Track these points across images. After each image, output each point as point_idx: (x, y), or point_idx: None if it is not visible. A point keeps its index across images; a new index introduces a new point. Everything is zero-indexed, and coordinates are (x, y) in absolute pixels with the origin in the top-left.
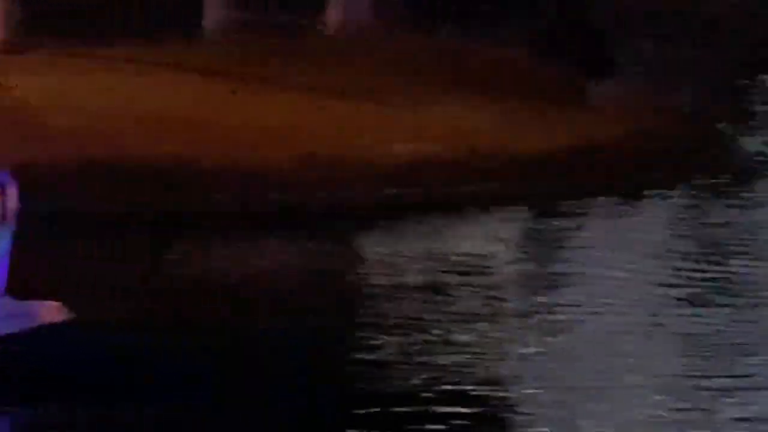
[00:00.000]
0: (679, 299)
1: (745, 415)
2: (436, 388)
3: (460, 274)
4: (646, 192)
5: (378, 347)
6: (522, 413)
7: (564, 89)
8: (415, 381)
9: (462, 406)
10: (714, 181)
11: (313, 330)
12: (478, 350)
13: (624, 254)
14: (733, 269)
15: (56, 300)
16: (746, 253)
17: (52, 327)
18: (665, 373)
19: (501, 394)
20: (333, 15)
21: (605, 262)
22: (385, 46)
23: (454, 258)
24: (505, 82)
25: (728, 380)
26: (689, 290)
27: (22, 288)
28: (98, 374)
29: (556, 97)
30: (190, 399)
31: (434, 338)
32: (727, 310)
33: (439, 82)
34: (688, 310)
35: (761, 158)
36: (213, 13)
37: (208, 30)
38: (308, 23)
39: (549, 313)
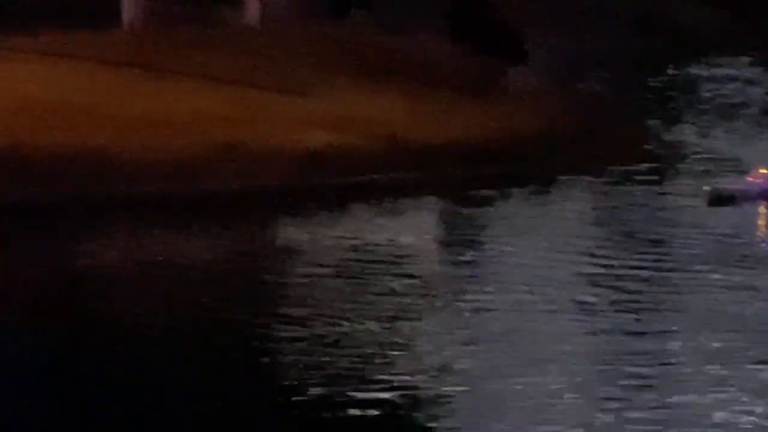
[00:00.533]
0: (593, 284)
1: (656, 395)
2: (354, 376)
3: (377, 262)
4: (560, 179)
5: (295, 338)
6: (443, 394)
7: (479, 79)
8: (332, 370)
9: (382, 392)
10: (628, 168)
11: (228, 321)
12: (395, 339)
13: (539, 241)
14: (645, 255)
15: None
16: (660, 241)
17: None
18: (579, 351)
19: (422, 379)
20: (250, 6)
21: (521, 249)
22: (301, 36)
23: (371, 246)
24: (421, 73)
25: (644, 366)
26: (603, 275)
27: None
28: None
29: (472, 87)
30: (99, 388)
31: (351, 328)
32: (640, 294)
33: (355, 73)
34: (602, 294)
35: (677, 148)
36: (131, 4)
37: (125, 21)
38: (225, 14)
39: (465, 300)
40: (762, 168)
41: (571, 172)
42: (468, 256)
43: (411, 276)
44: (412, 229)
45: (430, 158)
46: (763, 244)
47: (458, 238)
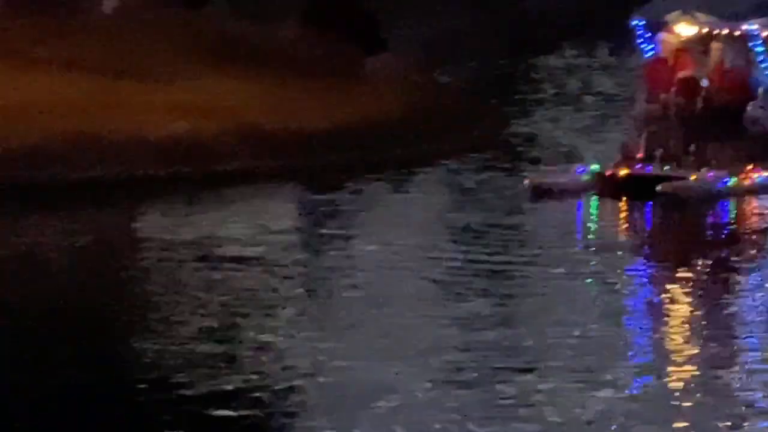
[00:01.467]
0: (445, 273)
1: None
2: (212, 368)
3: (237, 251)
4: (420, 167)
5: (154, 331)
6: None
7: (340, 66)
8: (183, 361)
9: (236, 374)
10: (484, 156)
11: (83, 310)
12: (252, 333)
13: (401, 228)
14: (494, 244)
15: None
16: (509, 231)
17: None
18: (427, 342)
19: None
20: None
21: (383, 236)
22: (160, 24)
23: (231, 234)
24: (282, 60)
25: (492, 357)
26: (459, 263)
27: None
28: None
29: (333, 74)
30: None
31: (211, 322)
32: (489, 284)
33: (214, 61)
34: (453, 283)
35: (527, 138)
36: None
37: None
38: (82, 2)
39: (324, 286)
40: (593, 163)
41: (428, 160)
42: (324, 245)
43: (272, 263)
44: (272, 217)
45: (290, 146)
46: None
47: (317, 227)
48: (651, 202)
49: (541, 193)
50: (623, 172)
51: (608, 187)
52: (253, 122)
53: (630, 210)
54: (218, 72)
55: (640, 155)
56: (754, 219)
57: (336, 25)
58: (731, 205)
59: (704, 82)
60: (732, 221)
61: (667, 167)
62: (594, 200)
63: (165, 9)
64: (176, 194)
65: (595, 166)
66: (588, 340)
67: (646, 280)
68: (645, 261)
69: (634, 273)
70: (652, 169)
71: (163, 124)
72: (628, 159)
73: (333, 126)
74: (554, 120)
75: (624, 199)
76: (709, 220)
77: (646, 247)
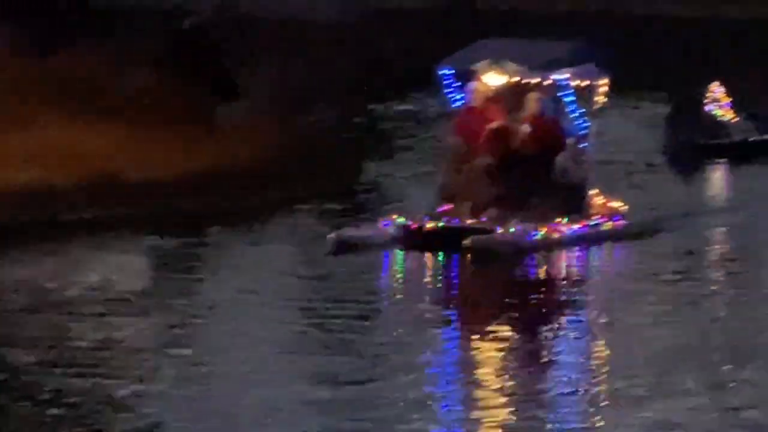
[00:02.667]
0: (296, 323)
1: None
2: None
3: (90, 297)
4: (273, 215)
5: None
6: None
7: (195, 114)
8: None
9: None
10: (335, 205)
11: None
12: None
13: (251, 276)
14: (343, 294)
15: None
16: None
17: None
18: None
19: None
20: None
21: (234, 283)
22: (11, 72)
23: (81, 283)
24: (136, 107)
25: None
26: (315, 317)
27: None
28: None
29: (188, 122)
30: None
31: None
32: (342, 335)
33: (68, 108)
34: (306, 335)
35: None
36: None
37: None
38: None
39: (180, 335)
40: (395, 214)
41: (281, 208)
42: (178, 291)
43: (121, 313)
44: (126, 266)
45: (145, 194)
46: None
47: (173, 274)
48: (458, 256)
49: (345, 247)
50: (429, 225)
51: (415, 241)
52: (107, 170)
53: (436, 264)
54: (72, 119)
55: (450, 207)
56: (563, 273)
57: (190, 73)
58: (540, 258)
59: (527, 129)
60: (541, 275)
61: (474, 220)
62: (400, 254)
63: (17, 57)
64: (27, 243)
65: (401, 219)
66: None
67: (454, 337)
68: (452, 317)
69: (441, 330)
70: (459, 222)
71: (17, 173)
72: (441, 210)
73: (187, 173)
74: (403, 167)
75: (431, 252)
76: (517, 273)
77: (452, 302)
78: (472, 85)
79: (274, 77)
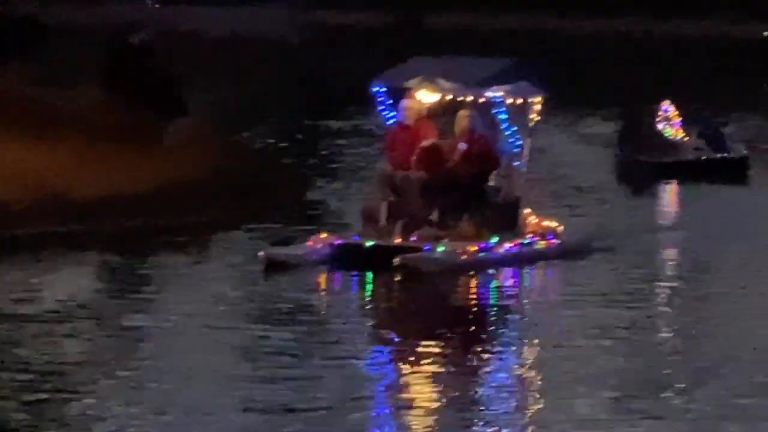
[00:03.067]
0: (242, 344)
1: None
2: None
3: (36, 315)
4: (219, 232)
5: None
6: None
7: (141, 131)
8: None
9: None
10: (277, 224)
11: None
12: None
13: (193, 297)
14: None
15: None
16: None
17: None
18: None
19: None
20: None
21: (181, 304)
22: None
23: (28, 301)
24: (82, 125)
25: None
26: (248, 339)
27: None
28: None
29: (134, 139)
30: None
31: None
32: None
33: (15, 126)
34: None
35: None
36: None
37: None
38: None
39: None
40: (324, 233)
41: (227, 225)
42: (124, 311)
43: (70, 335)
44: (71, 283)
45: (93, 211)
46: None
47: (117, 292)
48: (389, 275)
49: (274, 265)
50: (361, 243)
51: (346, 259)
52: (55, 187)
53: (366, 283)
54: (19, 137)
55: (381, 224)
56: (495, 293)
57: (135, 90)
58: (472, 276)
59: (462, 146)
60: (472, 294)
61: (405, 238)
62: (331, 273)
63: None
64: None
65: (332, 237)
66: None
67: (389, 357)
68: (385, 337)
69: (378, 350)
70: (390, 240)
71: None
72: (369, 228)
73: (134, 191)
74: (341, 184)
75: (362, 271)
76: (448, 293)
77: (383, 322)
78: (405, 102)
79: (218, 95)
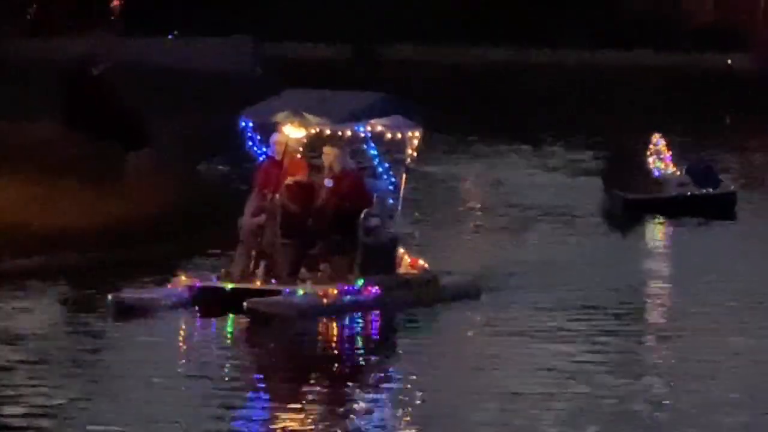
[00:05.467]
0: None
1: None
2: None
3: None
4: (184, 263)
5: None
6: None
7: (101, 163)
8: None
9: None
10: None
11: None
12: None
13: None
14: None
15: None
16: None
17: None
18: None
19: None
20: None
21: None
22: None
23: None
24: (41, 159)
25: None
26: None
27: None
28: None
29: (94, 172)
30: None
31: None
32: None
33: None
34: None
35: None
36: None
37: None
38: None
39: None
40: (183, 275)
41: (190, 256)
42: (88, 344)
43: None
44: (33, 316)
45: (52, 245)
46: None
47: (83, 327)
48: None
49: (123, 309)
50: (219, 286)
51: (204, 302)
52: (14, 220)
53: (224, 328)
54: None
55: (242, 268)
56: (356, 337)
57: (96, 122)
58: (337, 320)
59: (328, 183)
60: (334, 340)
61: (265, 281)
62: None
63: None
64: None
65: (189, 280)
66: None
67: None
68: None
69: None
70: (249, 283)
71: None
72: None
73: (95, 223)
74: None
75: (220, 315)
76: (307, 338)
77: (246, 370)
78: (275, 137)
79: (176, 127)
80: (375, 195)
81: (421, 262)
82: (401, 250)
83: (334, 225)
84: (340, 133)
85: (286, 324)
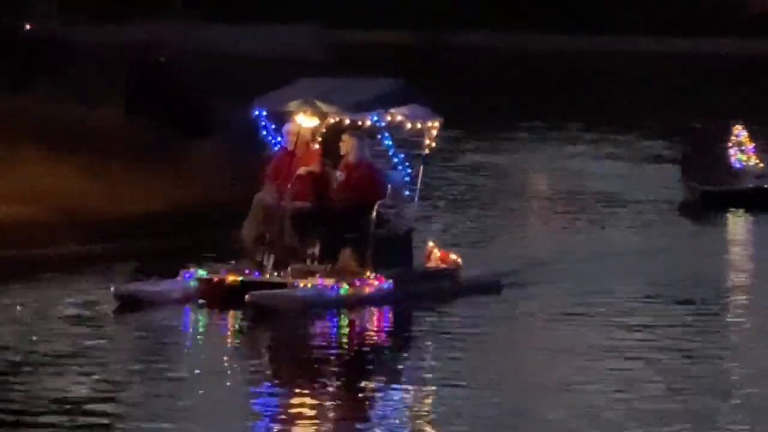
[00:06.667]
0: None
1: None
2: None
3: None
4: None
5: None
6: None
7: (164, 151)
8: None
9: None
10: None
11: None
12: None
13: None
14: None
15: None
16: None
17: None
18: None
19: None
20: None
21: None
22: None
23: (53, 317)
24: (105, 145)
25: None
26: None
27: None
28: None
29: (157, 159)
30: None
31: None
32: None
33: (37, 146)
34: None
35: None
36: None
37: None
38: None
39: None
40: (194, 266)
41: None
42: (141, 329)
43: (99, 349)
44: (92, 302)
45: (115, 231)
46: None
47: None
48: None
49: (126, 301)
50: (231, 278)
51: (215, 295)
52: (77, 206)
53: (234, 321)
54: (41, 156)
55: (257, 258)
56: (367, 332)
57: (159, 110)
58: (343, 315)
59: (339, 175)
60: (341, 334)
61: (277, 273)
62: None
63: None
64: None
65: (202, 272)
66: None
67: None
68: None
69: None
70: (260, 275)
71: None
72: (243, 262)
73: (157, 210)
74: None
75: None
76: (313, 331)
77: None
78: (287, 126)
79: (243, 115)
80: (390, 186)
81: (453, 256)
82: (431, 244)
83: (341, 217)
84: (360, 122)
85: (290, 317)
